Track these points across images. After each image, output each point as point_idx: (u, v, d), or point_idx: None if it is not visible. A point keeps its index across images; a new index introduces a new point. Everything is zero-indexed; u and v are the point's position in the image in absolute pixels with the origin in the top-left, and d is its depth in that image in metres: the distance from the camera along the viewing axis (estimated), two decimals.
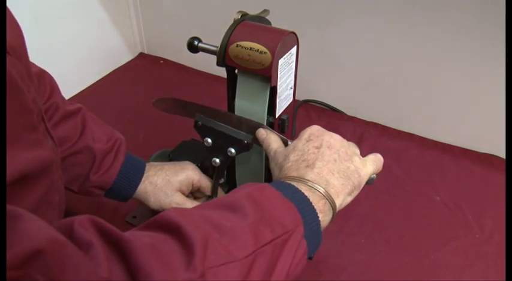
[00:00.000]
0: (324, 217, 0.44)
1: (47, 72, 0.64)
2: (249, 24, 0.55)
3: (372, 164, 0.51)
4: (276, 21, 0.60)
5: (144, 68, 1.22)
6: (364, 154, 0.90)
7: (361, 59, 0.95)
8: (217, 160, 0.61)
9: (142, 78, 1.18)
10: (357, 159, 0.50)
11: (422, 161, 0.90)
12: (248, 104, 0.58)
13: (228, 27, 0.55)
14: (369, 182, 0.51)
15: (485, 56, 0.81)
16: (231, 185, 0.70)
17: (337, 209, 0.46)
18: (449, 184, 0.84)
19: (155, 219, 0.38)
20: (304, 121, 1.01)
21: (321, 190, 0.45)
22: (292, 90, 0.61)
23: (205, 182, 0.67)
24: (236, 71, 0.57)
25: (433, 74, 0.89)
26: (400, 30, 0.87)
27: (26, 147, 0.39)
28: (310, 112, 1.03)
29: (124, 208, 0.76)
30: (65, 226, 0.32)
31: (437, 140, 0.95)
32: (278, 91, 0.56)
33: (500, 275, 0.67)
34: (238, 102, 0.58)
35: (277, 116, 0.59)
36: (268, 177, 0.64)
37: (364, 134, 0.96)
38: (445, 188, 0.83)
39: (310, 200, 0.43)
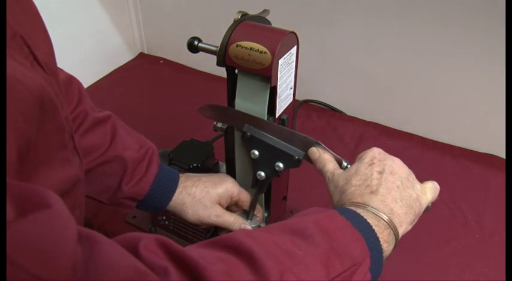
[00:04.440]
0: (388, 247, 0.43)
1: (75, 78, 0.62)
2: (249, 24, 0.55)
3: (431, 192, 0.50)
4: (276, 21, 0.60)
5: (144, 68, 1.23)
6: None
7: (361, 59, 0.95)
8: (263, 174, 0.59)
9: (142, 78, 1.19)
10: (418, 186, 0.49)
11: (422, 161, 0.90)
12: (248, 104, 0.58)
13: (228, 27, 0.54)
14: (425, 210, 0.50)
15: (485, 56, 0.81)
16: None
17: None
18: (449, 184, 0.84)
19: (223, 239, 0.37)
20: (304, 121, 1.01)
21: (386, 218, 0.44)
22: (292, 90, 0.61)
23: (244, 196, 0.64)
24: (236, 71, 0.57)
25: (433, 74, 0.89)
26: (400, 30, 0.87)
27: (58, 166, 0.38)
28: (310, 112, 1.03)
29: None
30: (127, 246, 0.31)
31: (437, 140, 0.95)
32: (278, 91, 0.56)
33: (500, 275, 0.67)
34: (238, 102, 0.58)
35: (277, 116, 0.59)
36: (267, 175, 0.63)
37: (364, 134, 0.96)
38: (445, 188, 0.83)
39: (376, 230, 0.42)
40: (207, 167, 0.74)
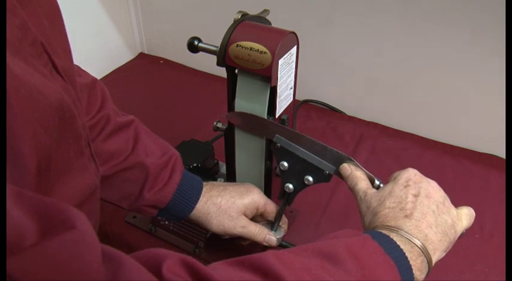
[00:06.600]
0: (420, 276, 0.42)
1: (99, 82, 0.61)
2: (249, 24, 0.55)
3: (466, 218, 0.49)
4: (276, 21, 0.60)
5: (144, 68, 1.23)
6: (364, 154, 0.91)
7: (361, 59, 0.95)
8: (291, 186, 0.59)
9: (142, 78, 1.19)
10: (454, 212, 0.47)
11: (422, 161, 0.90)
12: (248, 104, 0.58)
13: (228, 27, 0.55)
14: (460, 236, 0.48)
15: (485, 56, 0.81)
16: (230, 179, 0.70)
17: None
18: (449, 184, 0.84)
19: (252, 260, 0.36)
20: (304, 121, 1.01)
21: (419, 244, 0.42)
22: (292, 90, 0.61)
23: (270, 207, 0.63)
24: (236, 71, 0.57)
25: (433, 74, 0.89)
26: (400, 30, 0.87)
27: (76, 174, 0.38)
28: (310, 112, 1.03)
29: None
30: (150, 265, 0.30)
31: (437, 140, 0.95)
32: (278, 91, 0.56)
33: (500, 275, 0.67)
34: (238, 102, 0.58)
35: (277, 116, 0.59)
36: (267, 173, 0.64)
37: (364, 134, 0.96)
38: (445, 188, 0.83)
39: (409, 257, 0.41)
40: (207, 167, 0.74)
